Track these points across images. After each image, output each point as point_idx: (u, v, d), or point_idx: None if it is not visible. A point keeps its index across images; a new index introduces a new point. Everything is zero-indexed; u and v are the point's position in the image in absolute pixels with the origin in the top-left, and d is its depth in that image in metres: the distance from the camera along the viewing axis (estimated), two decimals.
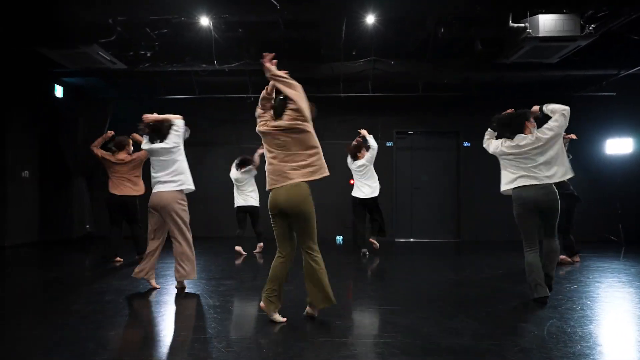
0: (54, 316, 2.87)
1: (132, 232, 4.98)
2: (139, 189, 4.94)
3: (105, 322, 2.70)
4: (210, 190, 7.49)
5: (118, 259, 4.94)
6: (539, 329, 2.57)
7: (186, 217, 3.50)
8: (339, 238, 7.49)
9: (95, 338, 2.38)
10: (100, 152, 4.98)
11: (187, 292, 3.51)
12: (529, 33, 4.89)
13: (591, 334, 2.51)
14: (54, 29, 5.18)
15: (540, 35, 4.85)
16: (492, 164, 7.54)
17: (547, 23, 4.84)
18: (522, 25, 4.93)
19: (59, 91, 7.09)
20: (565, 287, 3.76)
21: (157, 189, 3.46)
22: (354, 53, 6.21)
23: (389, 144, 7.91)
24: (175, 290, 3.55)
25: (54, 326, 2.64)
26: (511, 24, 4.98)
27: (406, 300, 3.32)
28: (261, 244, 5.93)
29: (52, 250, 6.13)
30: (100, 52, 5.34)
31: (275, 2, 4.47)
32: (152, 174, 3.53)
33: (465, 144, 7.78)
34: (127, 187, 4.85)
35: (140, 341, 2.44)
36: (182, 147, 3.59)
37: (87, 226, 7.26)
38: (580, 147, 7.45)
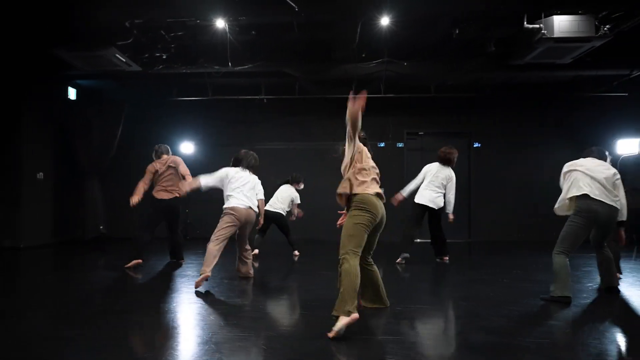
0: (76, 315, 2.90)
1: (173, 238, 4.98)
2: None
3: (133, 318, 2.73)
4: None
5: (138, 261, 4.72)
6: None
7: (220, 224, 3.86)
8: None
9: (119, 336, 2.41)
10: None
11: (207, 290, 3.56)
12: (543, 34, 4.91)
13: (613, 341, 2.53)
14: (72, 31, 5.24)
15: (555, 36, 4.87)
16: (502, 165, 7.68)
17: (562, 24, 4.87)
18: (537, 26, 4.96)
19: (72, 93, 7.14)
20: (587, 286, 3.79)
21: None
22: (363, 55, 6.23)
23: (399, 144, 7.95)
24: (199, 289, 3.60)
25: (75, 324, 2.66)
26: (526, 25, 5.02)
27: (428, 299, 3.34)
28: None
29: (68, 251, 6.17)
30: (117, 55, 5.38)
31: (293, 4, 4.51)
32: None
33: (476, 144, 7.81)
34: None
35: (171, 337, 2.46)
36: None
37: (101, 227, 7.29)
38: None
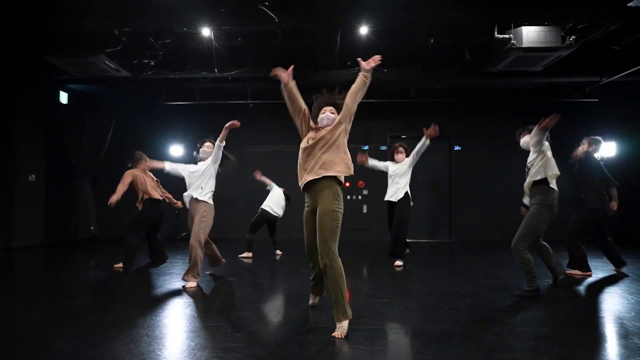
0: (66, 312, 3.12)
1: (155, 241, 5.09)
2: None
3: (124, 312, 2.95)
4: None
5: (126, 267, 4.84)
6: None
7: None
8: None
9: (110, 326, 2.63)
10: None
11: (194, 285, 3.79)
12: (513, 44, 5.19)
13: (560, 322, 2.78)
14: (63, 39, 5.43)
15: (524, 45, 5.15)
16: (481, 167, 7.94)
17: (530, 34, 5.14)
18: (507, 36, 5.24)
19: (63, 97, 7.33)
20: (544, 281, 4.03)
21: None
22: (348, 64, 6.49)
23: (382, 148, 8.20)
24: (180, 286, 3.82)
25: (69, 319, 2.88)
26: (496, 35, 5.29)
27: (395, 294, 3.58)
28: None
29: (60, 251, 6.36)
30: (106, 61, 5.59)
31: (273, 15, 4.74)
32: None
33: (456, 147, 8.07)
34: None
35: (157, 330, 2.68)
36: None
37: (92, 228, 7.49)
38: (565, 151, 7.78)
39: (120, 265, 4.78)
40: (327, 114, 2.78)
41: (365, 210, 8.08)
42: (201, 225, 3.93)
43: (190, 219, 4.01)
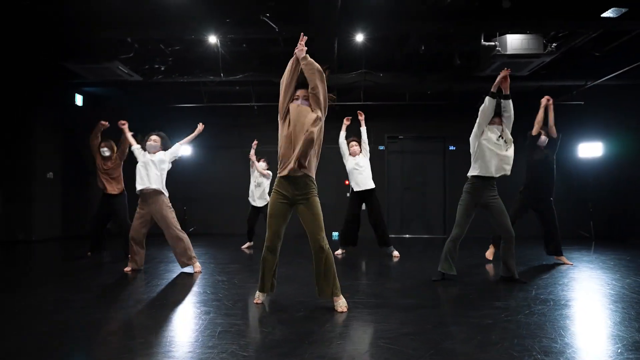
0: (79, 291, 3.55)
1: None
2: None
3: (139, 289, 3.37)
4: (217, 189, 8.21)
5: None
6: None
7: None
8: (335, 234, 8.13)
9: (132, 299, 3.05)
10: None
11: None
12: (498, 51, 5.55)
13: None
14: (79, 46, 5.88)
15: (508, 52, 5.51)
16: None
17: (513, 42, 5.50)
18: (493, 43, 5.60)
19: (79, 100, 7.80)
20: (528, 270, 4.40)
21: None
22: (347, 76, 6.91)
23: (381, 147, 8.58)
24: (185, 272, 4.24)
25: (85, 294, 3.31)
26: (483, 42, 5.66)
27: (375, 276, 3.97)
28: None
29: (75, 243, 6.81)
30: (120, 67, 6.03)
31: (274, 25, 5.15)
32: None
33: (451, 147, 8.43)
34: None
35: (169, 302, 3.10)
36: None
37: None
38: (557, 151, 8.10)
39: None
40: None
41: None
42: (172, 215, 4.18)
43: (144, 212, 4.17)
